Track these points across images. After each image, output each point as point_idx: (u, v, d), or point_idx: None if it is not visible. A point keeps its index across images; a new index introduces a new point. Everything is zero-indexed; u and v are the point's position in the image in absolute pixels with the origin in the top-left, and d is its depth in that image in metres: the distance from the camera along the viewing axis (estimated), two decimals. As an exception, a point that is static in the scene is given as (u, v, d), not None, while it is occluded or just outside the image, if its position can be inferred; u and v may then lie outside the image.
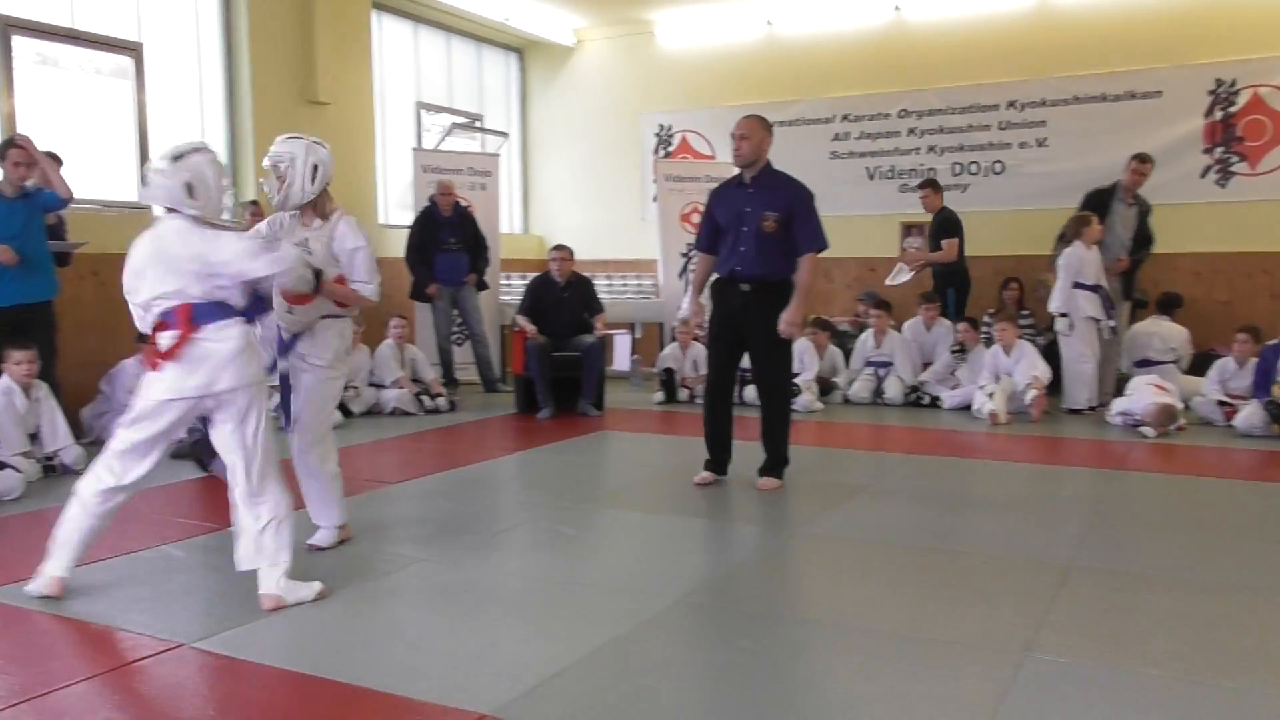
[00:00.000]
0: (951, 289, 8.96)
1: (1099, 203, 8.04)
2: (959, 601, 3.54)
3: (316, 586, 3.59)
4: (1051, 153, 9.66)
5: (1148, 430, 6.84)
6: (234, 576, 3.88)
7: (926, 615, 3.39)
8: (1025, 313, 9.11)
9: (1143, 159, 7.99)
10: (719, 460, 5.49)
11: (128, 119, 7.78)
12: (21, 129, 6.86)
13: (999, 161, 9.89)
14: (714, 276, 5.40)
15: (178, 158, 3.56)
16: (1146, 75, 9.25)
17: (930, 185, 9.04)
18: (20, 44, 7.06)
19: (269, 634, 3.26)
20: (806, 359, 8.45)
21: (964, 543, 4.33)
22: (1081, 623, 3.33)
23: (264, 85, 8.60)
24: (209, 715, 2.68)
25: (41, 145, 6.35)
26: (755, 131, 5.16)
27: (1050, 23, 9.59)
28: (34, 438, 5.74)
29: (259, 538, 3.54)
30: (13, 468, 5.36)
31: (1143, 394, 7.13)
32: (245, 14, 8.46)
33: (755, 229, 5.12)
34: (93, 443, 6.57)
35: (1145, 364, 8.15)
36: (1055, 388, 7.95)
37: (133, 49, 7.76)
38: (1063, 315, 7.78)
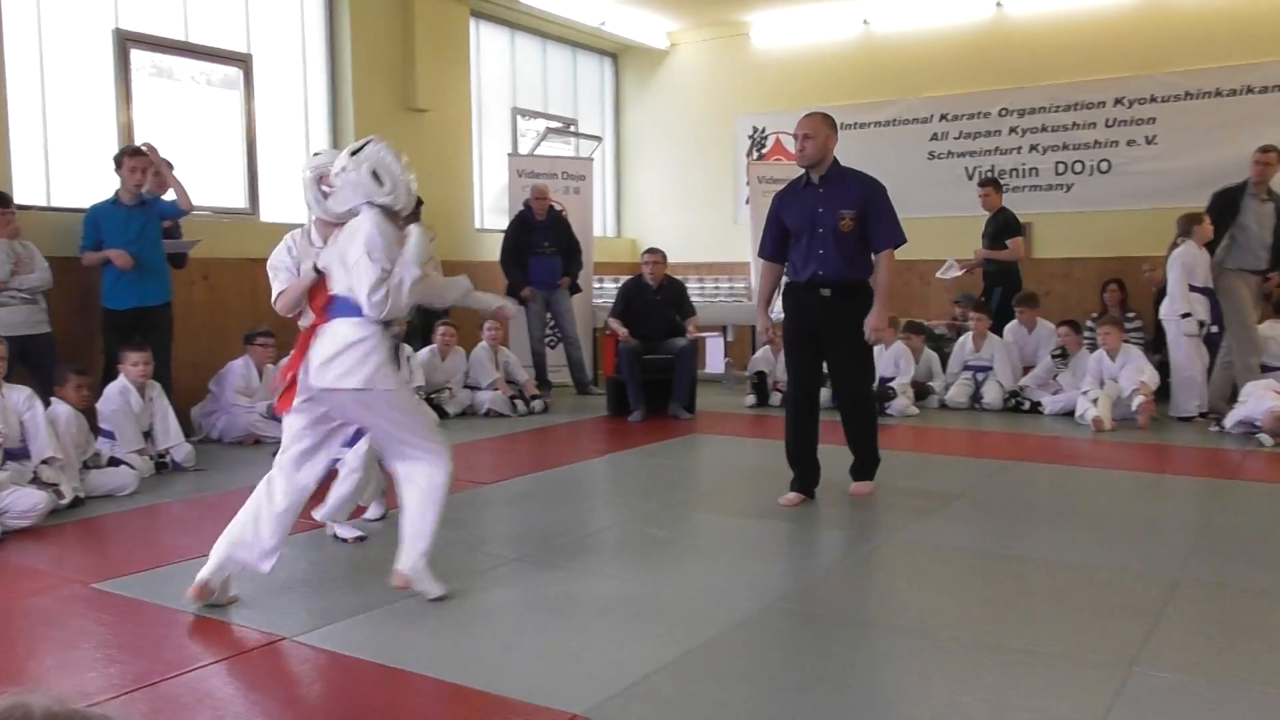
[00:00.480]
0: (1000, 288, 8.81)
1: (1229, 201, 7.65)
2: (1061, 613, 3.43)
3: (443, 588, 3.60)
4: (1161, 150, 9.33)
5: (1265, 438, 6.54)
6: (334, 572, 3.99)
7: (1027, 627, 3.29)
8: (1131, 315, 8.80)
9: (1265, 149, 7.62)
10: (806, 480, 5.17)
11: (236, 128, 8.07)
12: (138, 139, 7.17)
13: (1105, 160, 9.58)
14: (785, 283, 5.20)
15: (355, 152, 3.62)
16: (1265, 69, 8.86)
17: (992, 184, 8.98)
18: (137, 57, 7.37)
19: (367, 630, 3.34)
20: (902, 363, 8.32)
21: (1067, 553, 4.20)
22: (1190, 637, 3.20)
23: (365, 93, 8.82)
24: (308, 708, 2.76)
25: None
26: (819, 129, 4.94)
27: (1160, 16, 9.25)
28: (148, 436, 5.98)
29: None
30: (128, 464, 5.59)
31: (1261, 399, 6.81)
32: (348, 24, 8.70)
33: (832, 230, 4.88)
34: (202, 440, 6.83)
35: (1265, 369, 7.79)
36: (1162, 394, 7.67)
37: (242, 60, 8.04)
38: (1185, 315, 7.48)
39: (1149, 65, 9.30)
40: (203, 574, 3.54)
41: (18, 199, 6.42)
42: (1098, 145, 9.60)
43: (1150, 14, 9.28)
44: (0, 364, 4.99)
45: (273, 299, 3.89)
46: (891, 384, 8.27)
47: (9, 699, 0.97)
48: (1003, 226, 8.78)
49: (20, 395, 5.12)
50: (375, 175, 3.57)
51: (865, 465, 5.26)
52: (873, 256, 5.02)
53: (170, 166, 6.69)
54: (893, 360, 8.28)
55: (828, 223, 4.89)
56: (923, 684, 2.86)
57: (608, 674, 2.92)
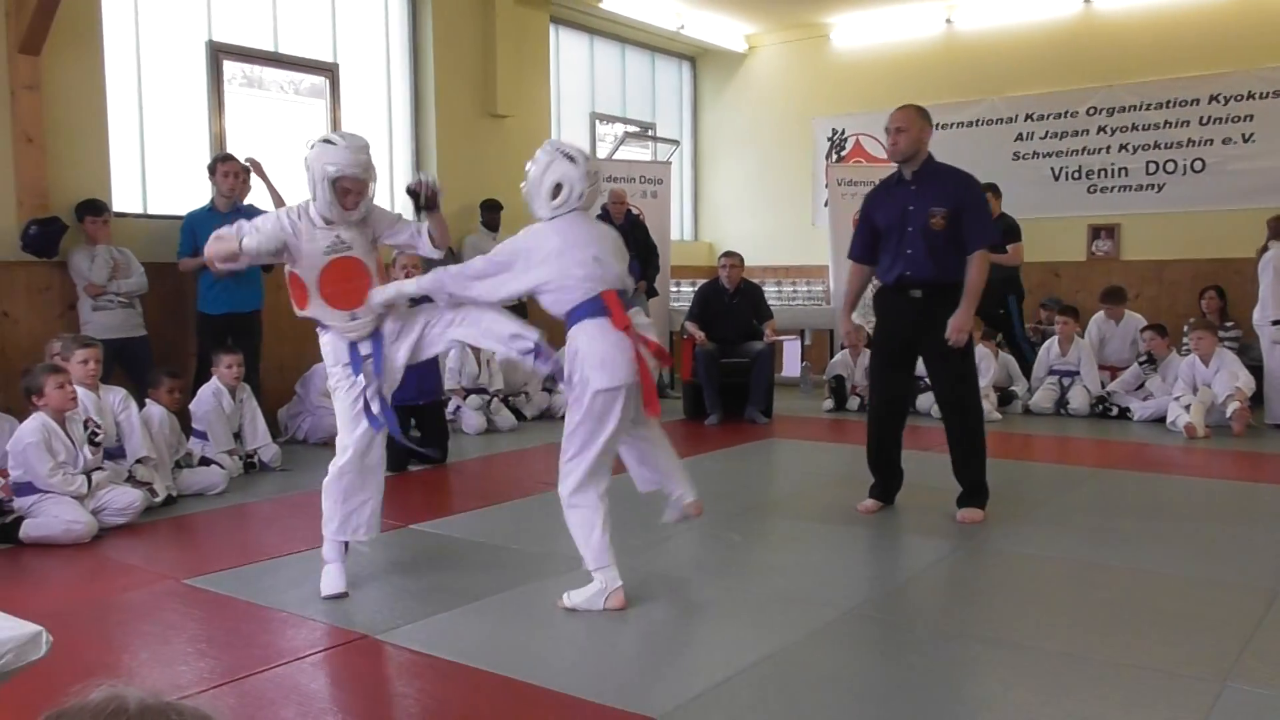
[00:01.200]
0: (1013, 295, 8.67)
1: None
2: (1151, 625, 3.32)
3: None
4: (1259, 149, 8.99)
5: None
6: (414, 572, 4.05)
7: (1115, 639, 3.20)
8: (1229, 324, 8.48)
9: None
10: (886, 487, 5.01)
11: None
12: (230, 148, 7.39)
13: (1199, 159, 9.27)
14: (875, 285, 5.04)
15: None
16: (1370, 61, 8.50)
17: (990, 189, 8.72)
18: (228, 68, 7.60)
19: (447, 629, 3.38)
20: (983, 365, 8.16)
21: (1157, 563, 4.07)
22: (1290, 655, 3.08)
23: (447, 100, 8.96)
24: (388, 705, 2.80)
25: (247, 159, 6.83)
26: (913, 123, 4.70)
27: (1256, 9, 8.91)
28: (237, 436, 6.15)
29: None
30: (218, 464, 5.75)
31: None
32: (430, 32, 8.84)
33: (922, 227, 4.61)
34: (288, 441, 7.00)
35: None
36: (1257, 400, 7.40)
37: (328, 69, 8.23)
38: (1275, 323, 7.22)
39: (1245, 61, 8.97)
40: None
41: (116, 207, 6.67)
42: (1191, 144, 9.30)
43: (1246, 7, 8.95)
44: (97, 366, 5.17)
45: (214, 248, 3.73)
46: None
47: (105, 691, 1.00)
48: (1005, 232, 8.61)
49: (116, 396, 5.31)
50: (556, 188, 3.70)
51: (974, 492, 4.81)
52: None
53: (272, 186, 6.89)
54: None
55: (918, 221, 4.64)
56: (1004, 694, 2.80)
57: (683, 678, 2.92)
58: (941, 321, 4.62)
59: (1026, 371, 8.50)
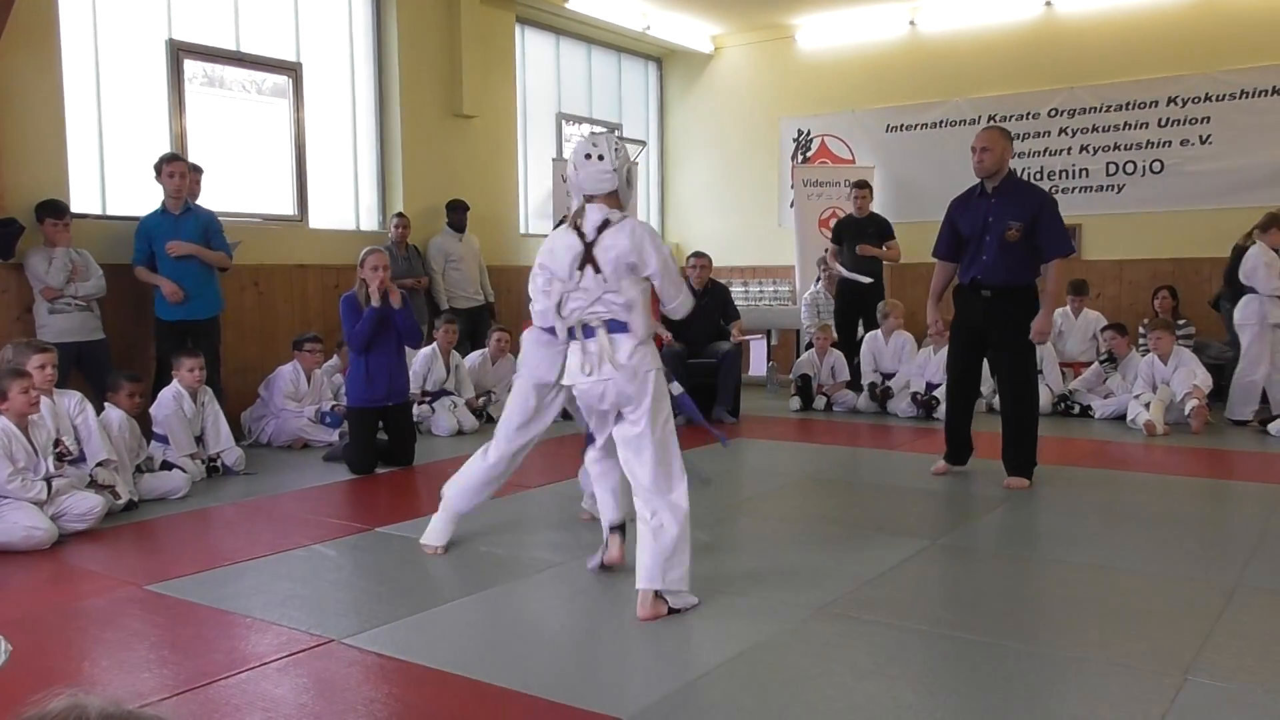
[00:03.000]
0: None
1: None
2: (1112, 621, 3.37)
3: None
4: (1216, 150, 9.14)
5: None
6: (381, 575, 4.03)
7: (1076, 634, 3.24)
8: (1182, 322, 8.61)
9: None
10: (956, 454, 5.73)
11: (285, 136, 8.18)
12: (190, 147, 7.31)
13: (1158, 160, 9.41)
14: (955, 283, 5.63)
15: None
16: (1323, 65, 8.66)
17: (866, 187, 9.12)
18: (189, 66, 7.50)
19: (414, 632, 3.36)
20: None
21: (1118, 559, 4.13)
22: (1247, 646, 3.13)
23: (412, 100, 8.91)
24: (356, 710, 2.78)
25: (203, 160, 6.75)
26: (996, 143, 5.31)
27: (1215, 14, 9.07)
28: (199, 440, 6.08)
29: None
30: (180, 468, 5.68)
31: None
32: (395, 32, 8.79)
33: (998, 237, 5.25)
34: (251, 444, 6.93)
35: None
36: (1216, 397, 7.52)
37: (291, 69, 8.16)
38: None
39: (1203, 64, 9.13)
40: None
41: (74, 208, 6.56)
42: (1150, 145, 9.44)
43: (1204, 11, 9.10)
44: (53, 372, 5.08)
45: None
46: (890, 381, 8.42)
47: (66, 700, 0.99)
48: (884, 229, 9.01)
49: (71, 400, 5.22)
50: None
51: (1021, 462, 5.47)
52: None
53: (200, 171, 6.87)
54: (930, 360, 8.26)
55: (996, 230, 5.27)
56: (967, 690, 2.83)
57: (652, 679, 2.92)
58: (1008, 319, 5.30)
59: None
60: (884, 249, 8.93)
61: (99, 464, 5.13)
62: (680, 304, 3.72)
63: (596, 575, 3.96)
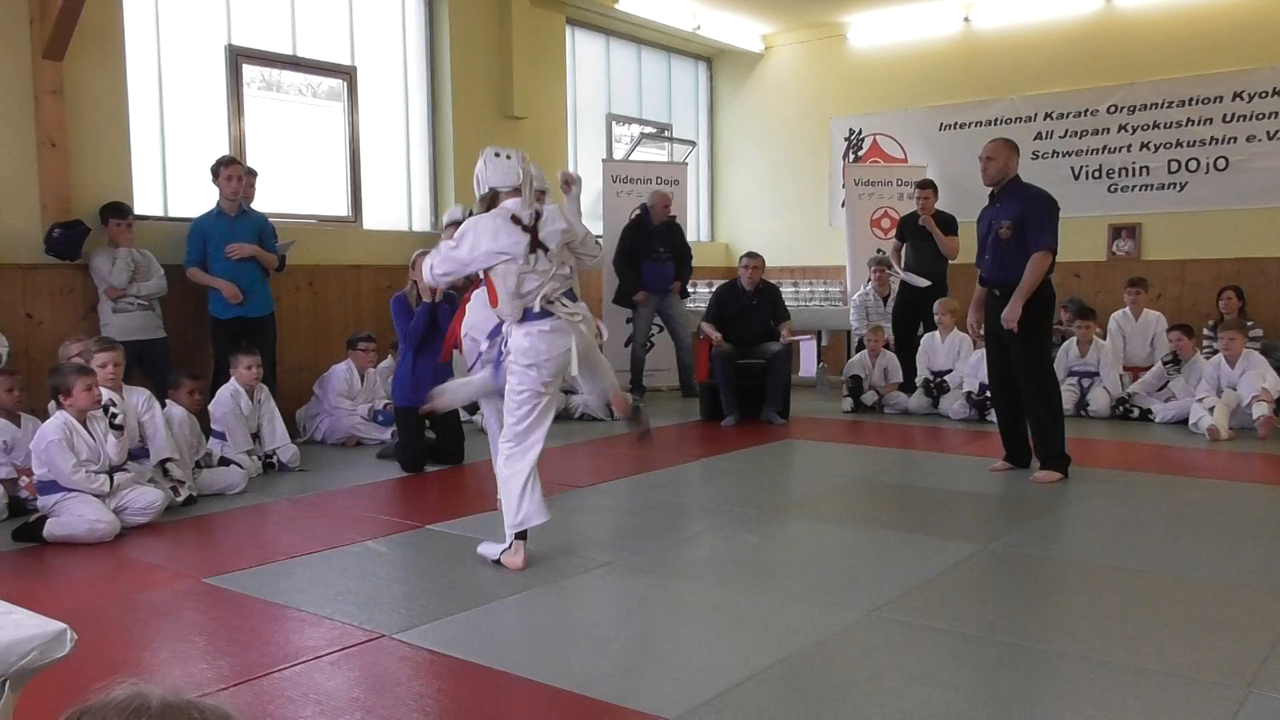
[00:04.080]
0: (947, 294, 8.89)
1: None
2: (1173, 629, 3.30)
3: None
4: (1282, 146, 8.91)
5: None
6: (431, 572, 4.07)
7: (1136, 642, 3.18)
8: (1249, 324, 8.40)
9: None
10: (1013, 451, 5.88)
11: (340, 138, 8.30)
12: (249, 150, 7.44)
13: (1222, 157, 9.19)
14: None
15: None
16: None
17: (931, 186, 8.99)
18: (248, 71, 7.64)
19: (463, 629, 3.39)
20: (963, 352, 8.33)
21: (1179, 566, 4.04)
22: (1315, 659, 3.04)
23: (464, 102, 8.98)
24: (405, 705, 2.81)
25: (260, 163, 6.86)
26: (1000, 153, 5.64)
27: (1280, 6, 8.84)
28: (256, 437, 6.18)
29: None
30: (237, 464, 5.79)
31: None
32: (448, 35, 8.87)
33: (995, 237, 5.59)
34: (306, 442, 7.03)
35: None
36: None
37: (346, 72, 8.27)
38: None
39: (1270, 57, 8.89)
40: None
41: (137, 209, 6.71)
42: (1214, 142, 9.23)
43: (1271, 3, 8.87)
44: (117, 369, 5.21)
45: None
46: (946, 377, 8.34)
47: (128, 689, 1.01)
48: (947, 224, 8.87)
49: (140, 397, 5.35)
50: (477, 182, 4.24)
51: (1043, 456, 5.68)
52: None
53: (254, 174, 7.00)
54: (953, 350, 8.30)
55: (994, 231, 5.63)
56: (1023, 698, 2.79)
57: (699, 680, 2.91)
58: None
59: None
60: (948, 239, 8.80)
61: (167, 460, 5.27)
62: (600, 258, 4.55)
63: (643, 575, 3.96)
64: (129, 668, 3.07)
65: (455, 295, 6.61)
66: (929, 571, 3.98)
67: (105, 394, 4.94)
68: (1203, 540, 4.44)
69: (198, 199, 7.07)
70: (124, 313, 6.33)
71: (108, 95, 6.63)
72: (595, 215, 10.46)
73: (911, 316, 8.92)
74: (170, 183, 7.24)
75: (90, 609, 3.64)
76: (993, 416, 7.69)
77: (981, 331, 5.93)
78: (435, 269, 4.18)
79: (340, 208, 8.31)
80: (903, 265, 8.96)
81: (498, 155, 4.22)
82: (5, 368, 5.49)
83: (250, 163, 7.23)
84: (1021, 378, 5.65)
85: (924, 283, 8.72)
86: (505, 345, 4.17)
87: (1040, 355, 5.71)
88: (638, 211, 9.43)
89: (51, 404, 4.97)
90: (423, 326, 6.10)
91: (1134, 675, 2.92)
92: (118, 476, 4.79)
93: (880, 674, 2.96)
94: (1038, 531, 4.63)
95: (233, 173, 6.65)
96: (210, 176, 6.70)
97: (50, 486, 4.63)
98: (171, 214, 7.21)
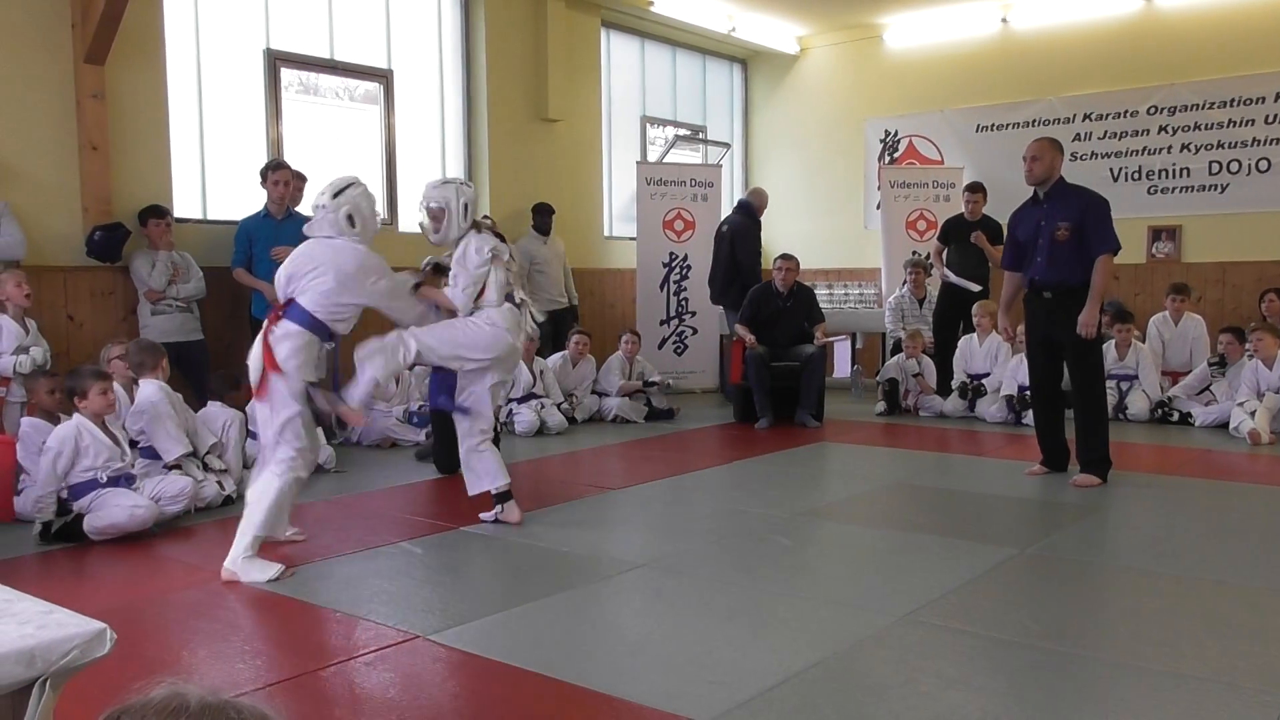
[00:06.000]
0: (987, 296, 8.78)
1: None
2: (1212, 635, 3.24)
3: (276, 568, 4.01)
4: (1327, 147, 8.75)
5: None
6: (466, 573, 4.09)
7: (1173, 648, 3.13)
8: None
9: None
10: (1051, 456, 5.81)
11: (376, 141, 8.36)
12: (287, 154, 7.51)
13: (1264, 159, 9.04)
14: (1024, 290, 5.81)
15: (337, 194, 4.32)
16: None
17: (981, 190, 8.92)
18: (286, 75, 7.73)
19: (498, 630, 3.40)
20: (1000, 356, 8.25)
21: (1218, 572, 3.97)
22: (1361, 669, 2.98)
23: (500, 105, 9.02)
24: (440, 706, 2.83)
25: (298, 165, 6.93)
26: (1045, 152, 5.55)
27: (1326, 4, 8.68)
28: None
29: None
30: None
31: None
32: (483, 38, 8.92)
33: (1049, 239, 5.48)
34: (341, 444, 7.09)
35: None
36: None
37: (383, 76, 8.34)
38: None
39: (1313, 57, 8.74)
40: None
41: (176, 212, 6.81)
42: (1256, 143, 9.08)
43: (1315, 2, 8.72)
44: (161, 372, 5.38)
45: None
46: (984, 381, 8.23)
47: (166, 689, 1.02)
48: (997, 232, 8.71)
49: (227, 416, 5.67)
50: (350, 219, 4.33)
51: (1088, 460, 5.59)
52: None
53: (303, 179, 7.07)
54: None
55: (1047, 233, 5.51)
56: (1059, 704, 2.75)
57: (732, 683, 2.90)
58: (1069, 318, 5.45)
59: None
60: (995, 249, 8.72)
61: (207, 453, 5.43)
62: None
63: (676, 577, 3.95)
64: (167, 667, 3.11)
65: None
66: (965, 575, 3.95)
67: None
68: (1244, 545, 4.37)
69: (236, 202, 7.16)
70: (163, 314, 6.42)
71: (148, 99, 6.73)
72: (629, 217, 10.48)
73: (955, 318, 8.85)
74: (209, 185, 7.33)
75: (127, 608, 3.68)
76: (1029, 419, 7.66)
77: (1015, 335, 5.87)
78: None
79: (377, 210, 8.35)
80: (945, 267, 8.89)
81: (446, 182, 4.86)
82: (46, 369, 5.59)
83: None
84: (1077, 381, 5.60)
85: (976, 287, 8.66)
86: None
87: (1099, 359, 5.72)
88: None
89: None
90: None
91: (1172, 682, 2.87)
92: (139, 475, 4.94)
93: (915, 678, 2.94)
94: (1076, 536, 4.58)
95: (280, 177, 6.74)
96: (259, 180, 6.79)
97: (82, 487, 4.68)
98: (210, 216, 7.29)
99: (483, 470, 4.82)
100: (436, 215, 4.77)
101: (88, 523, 4.61)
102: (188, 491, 4.94)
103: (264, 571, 3.96)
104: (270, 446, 4.22)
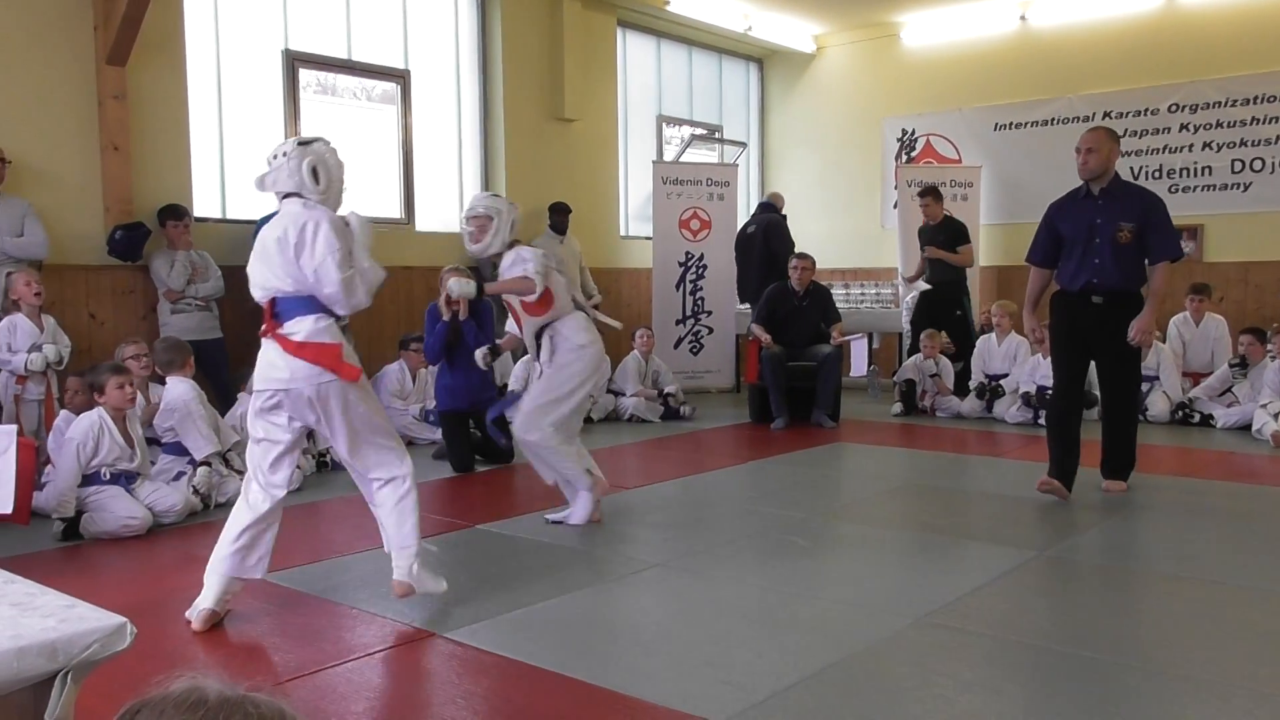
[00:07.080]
0: (965, 297, 8.90)
1: None
2: (1234, 639, 3.22)
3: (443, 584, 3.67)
4: (1350, 146, 8.66)
5: None
6: (481, 571, 4.10)
7: (1192, 653, 3.11)
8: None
9: None
10: (1064, 469, 5.29)
11: (393, 141, 8.39)
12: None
13: (1287, 157, 8.96)
14: (1055, 289, 5.39)
15: (304, 144, 3.71)
16: None
17: (932, 193, 8.94)
18: (304, 75, 7.76)
19: (513, 628, 3.41)
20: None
21: (1241, 575, 3.94)
22: (1383, 673, 2.95)
23: (516, 104, 9.04)
24: (456, 702, 2.83)
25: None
26: (1103, 144, 5.13)
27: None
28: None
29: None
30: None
31: None
32: (499, 38, 8.94)
33: (1109, 240, 5.09)
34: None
35: None
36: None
37: (400, 76, 8.36)
38: None
39: (1337, 55, 8.66)
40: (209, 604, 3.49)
41: (196, 212, 6.85)
42: (1279, 141, 9.00)
43: (1338, 0, 8.64)
44: (189, 369, 5.45)
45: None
46: (1002, 381, 8.25)
47: (185, 682, 1.03)
48: (957, 234, 8.79)
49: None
50: (314, 172, 3.70)
51: (1119, 466, 5.42)
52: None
53: None
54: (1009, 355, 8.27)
55: (1105, 233, 5.10)
56: (1074, 708, 2.74)
57: (747, 683, 2.90)
58: (1120, 325, 5.12)
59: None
60: (956, 253, 8.76)
61: (229, 451, 5.49)
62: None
63: (692, 578, 3.95)
64: (185, 661, 3.14)
65: (490, 306, 6.62)
66: (982, 578, 3.93)
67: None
68: (1267, 549, 4.33)
69: (255, 201, 7.19)
70: (182, 313, 6.47)
71: (169, 99, 6.77)
72: (645, 216, 10.48)
73: (923, 322, 8.93)
74: (228, 185, 7.37)
75: (147, 603, 3.71)
76: (1007, 415, 7.69)
77: (1040, 337, 5.46)
78: None
79: (393, 209, 8.40)
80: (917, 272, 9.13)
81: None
82: (61, 366, 5.62)
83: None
84: (1114, 386, 5.32)
85: (925, 286, 8.97)
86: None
87: (1139, 364, 5.49)
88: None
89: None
90: (438, 345, 6.30)
91: (1192, 686, 2.85)
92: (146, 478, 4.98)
93: (931, 680, 2.93)
94: (1095, 538, 4.55)
95: None
96: None
97: (85, 480, 4.75)
98: (230, 216, 7.34)
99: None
100: (483, 224, 4.71)
101: (83, 525, 4.68)
102: (178, 509, 4.96)
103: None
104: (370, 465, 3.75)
